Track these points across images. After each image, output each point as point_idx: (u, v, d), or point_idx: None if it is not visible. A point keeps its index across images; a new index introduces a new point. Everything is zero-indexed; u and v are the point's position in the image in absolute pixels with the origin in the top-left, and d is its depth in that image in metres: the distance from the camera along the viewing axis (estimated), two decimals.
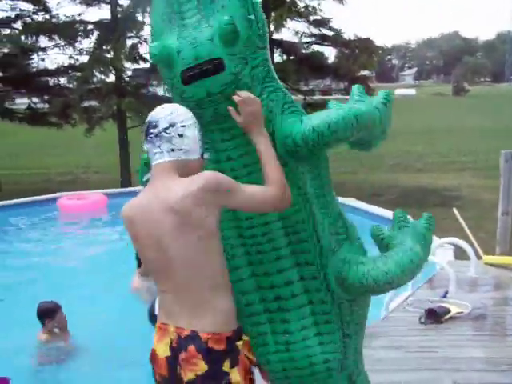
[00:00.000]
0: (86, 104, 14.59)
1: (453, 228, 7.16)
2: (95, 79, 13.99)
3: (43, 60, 15.09)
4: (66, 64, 14.88)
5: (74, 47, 14.36)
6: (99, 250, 8.80)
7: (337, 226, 2.39)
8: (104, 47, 13.79)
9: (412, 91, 62.18)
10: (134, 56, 14.05)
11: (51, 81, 15.37)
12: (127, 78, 14.79)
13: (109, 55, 13.75)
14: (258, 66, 2.25)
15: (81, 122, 14.44)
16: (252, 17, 2.21)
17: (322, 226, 2.33)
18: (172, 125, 2.11)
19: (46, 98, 15.01)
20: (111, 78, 14.22)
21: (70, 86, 15.06)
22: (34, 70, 15.27)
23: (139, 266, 5.24)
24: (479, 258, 6.18)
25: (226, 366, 2.07)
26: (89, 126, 14.14)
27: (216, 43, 2.15)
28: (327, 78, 16.11)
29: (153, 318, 4.94)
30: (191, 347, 2.04)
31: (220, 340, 2.07)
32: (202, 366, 2.04)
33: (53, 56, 15.17)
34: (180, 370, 2.06)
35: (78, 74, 14.21)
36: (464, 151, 18.66)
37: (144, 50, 14.24)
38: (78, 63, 14.63)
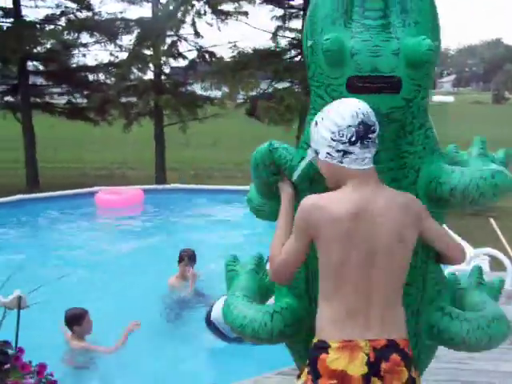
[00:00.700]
0: (123, 100, 14.74)
1: (489, 238, 7.04)
2: (133, 76, 14.13)
3: (84, 56, 15.31)
4: (105, 60, 15.09)
5: (114, 44, 14.53)
6: (134, 245, 8.89)
7: (438, 275, 2.35)
8: (143, 44, 13.89)
9: (450, 98, 61.35)
10: (173, 53, 14.14)
11: (91, 76, 15.58)
12: (165, 76, 14.88)
13: (148, 52, 13.88)
14: (425, 98, 2.13)
15: (119, 118, 14.60)
16: (437, 43, 2.07)
17: (430, 275, 2.29)
18: (378, 132, 2.07)
19: (85, 93, 15.20)
20: (149, 74, 14.39)
21: (109, 81, 15.22)
22: (75, 65, 15.47)
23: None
24: None
25: (414, 373, 2.06)
26: (126, 121, 14.29)
27: (401, 60, 1.99)
28: None
29: (210, 324, 4.95)
30: (394, 356, 1.99)
31: (408, 345, 2.07)
32: (405, 374, 2.00)
33: (93, 52, 15.41)
34: (383, 381, 1.97)
35: (117, 70, 14.35)
36: None
37: (183, 47, 14.38)
38: (117, 60, 14.79)
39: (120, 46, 14.58)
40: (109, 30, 14.22)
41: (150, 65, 13.99)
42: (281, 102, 12.02)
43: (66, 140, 21.79)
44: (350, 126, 1.99)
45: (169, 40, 14.04)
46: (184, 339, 5.67)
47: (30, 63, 14.79)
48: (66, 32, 14.04)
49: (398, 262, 2.04)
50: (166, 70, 14.89)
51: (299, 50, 13.59)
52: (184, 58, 14.55)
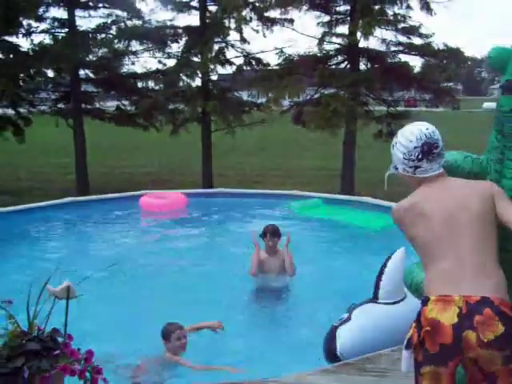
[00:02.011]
0: (171, 106, 14.98)
1: None
2: (181, 83, 14.33)
3: (133, 64, 15.58)
4: (154, 68, 15.32)
5: (163, 51, 14.78)
6: (177, 248, 9.01)
7: None
8: (191, 51, 14.10)
9: None
10: (221, 60, 14.30)
11: (140, 83, 15.85)
12: (213, 82, 15.05)
13: (196, 59, 14.07)
14: None
15: (166, 124, 14.83)
16: None
17: None
18: (442, 144, 2.66)
19: (134, 99, 15.49)
20: (197, 81, 14.57)
21: (157, 88, 15.49)
22: (124, 72, 15.79)
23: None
24: None
25: None
26: (173, 127, 14.51)
27: None
28: (411, 88, 15.81)
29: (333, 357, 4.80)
30: (487, 310, 2.28)
31: (508, 306, 2.34)
32: (499, 328, 2.27)
33: (142, 59, 15.68)
34: (475, 332, 2.26)
35: (165, 77, 14.59)
36: None
37: (231, 54, 14.53)
38: (165, 67, 15.03)
39: (168, 54, 14.85)
40: (158, 37, 14.49)
41: (198, 71, 14.15)
42: (326, 107, 12.00)
43: (116, 145, 22.27)
44: (415, 147, 2.62)
45: (216, 47, 14.20)
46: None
47: (81, 71, 15.19)
48: (116, 40, 14.38)
49: (481, 227, 2.48)
50: (214, 76, 15.09)
51: (345, 56, 13.59)
52: (231, 64, 14.69)
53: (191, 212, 11.31)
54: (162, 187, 12.95)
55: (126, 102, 15.88)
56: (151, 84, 15.82)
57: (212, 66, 14.13)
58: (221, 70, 14.86)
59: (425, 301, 2.41)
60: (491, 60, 2.44)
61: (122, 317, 5.88)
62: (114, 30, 14.73)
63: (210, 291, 6.61)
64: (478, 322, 2.26)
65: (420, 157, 2.60)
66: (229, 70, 14.80)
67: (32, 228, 10.02)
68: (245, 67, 14.66)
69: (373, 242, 8.75)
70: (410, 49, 13.42)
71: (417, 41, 13.18)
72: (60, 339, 2.74)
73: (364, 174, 14.41)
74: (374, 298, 5.21)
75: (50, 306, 2.82)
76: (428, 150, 2.59)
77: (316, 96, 13.67)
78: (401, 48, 13.47)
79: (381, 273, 5.22)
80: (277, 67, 13.70)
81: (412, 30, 12.93)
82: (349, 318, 4.97)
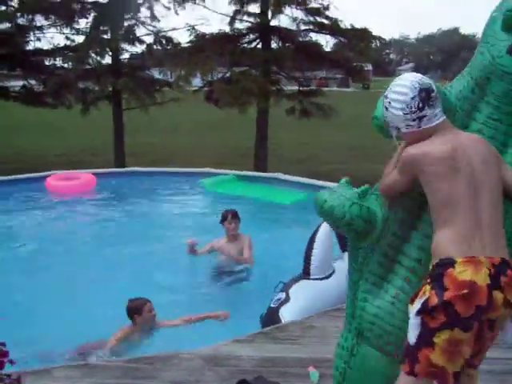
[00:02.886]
0: (81, 85, 14.52)
1: None
2: (91, 60, 13.91)
3: (39, 40, 14.94)
4: (62, 44, 14.76)
5: (70, 27, 14.25)
6: (87, 229, 8.81)
7: None
8: (101, 28, 13.69)
9: None
10: (131, 38, 13.97)
11: (47, 61, 15.23)
12: (123, 60, 14.71)
13: (105, 36, 13.69)
14: None
15: (76, 103, 14.38)
16: None
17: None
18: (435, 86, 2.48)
19: (41, 77, 14.87)
20: (107, 59, 14.18)
21: (66, 66, 14.95)
22: (30, 49, 15.10)
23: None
24: None
25: None
26: (84, 106, 14.09)
27: None
28: (323, 67, 16.04)
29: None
30: (510, 272, 2.26)
31: None
32: None
33: (49, 35, 15.05)
34: (503, 292, 2.23)
35: (74, 54, 14.10)
36: None
37: (140, 32, 14.23)
38: (74, 44, 14.51)
39: (77, 30, 14.33)
40: (64, 12, 13.89)
41: (108, 49, 13.77)
42: (236, 84, 12.01)
43: (23, 125, 21.40)
44: (413, 97, 2.41)
45: (126, 24, 13.86)
46: None
47: None
48: (19, 14, 13.70)
49: (495, 186, 2.40)
50: (125, 55, 14.75)
51: (257, 35, 13.61)
52: (141, 42, 14.39)
53: (101, 192, 11.02)
54: (73, 168, 12.56)
55: (34, 82, 15.20)
56: (59, 61, 15.24)
57: (122, 44, 13.79)
58: (131, 48, 14.55)
59: (448, 263, 2.26)
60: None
61: (24, 301, 5.72)
62: (15, 3, 14.04)
63: (124, 271, 6.53)
64: (505, 283, 2.23)
65: (421, 105, 2.41)
66: (139, 48, 14.53)
67: None
68: (155, 46, 14.41)
69: (286, 216, 8.89)
70: (320, 28, 13.60)
71: (326, 20, 13.36)
72: None
73: (276, 151, 14.56)
74: (306, 274, 5.27)
75: None
76: (426, 96, 2.41)
77: (228, 74, 13.64)
78: (311, 27, 13.62)
79: (310, 248, 5.24)
80: (188, 44, 13.55)
81: (320, 11, 13.09)
82: (287, 298, 5.02)
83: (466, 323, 2.21)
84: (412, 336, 2.29)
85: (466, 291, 2.18)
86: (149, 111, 14.16)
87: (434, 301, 2.22)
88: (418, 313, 2.27)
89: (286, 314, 4.86)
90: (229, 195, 10.13)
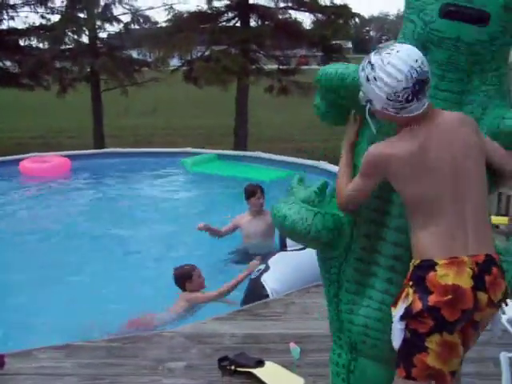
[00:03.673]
0: (58, 65, 14.31)
1: None
2: (68, 39, 13.70)
3: (13, 19, 14.62)
4: (37, 23, 14.50)
5: (45, 6, 13.99)
6: (63, 211, 8.72)
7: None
8: (77, 6, 13.48)
9: None
10: (107, 17, 13.78)
11: (22, 41, 14.95)
12: (101, 40, 14.52)
13: (82, 15, 13.49)
14: (506, 44, 2.31)
15: (53, 84, 14.19)
16: None
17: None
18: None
19: (16, 58, 14.61)
20: (84, 39, 13.99)
21: (42, 46, 14.70)
22: (3, 28, 14.74)
23: None
24: None
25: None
26: (61, 87, 13.91)
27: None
28: (303, 45, 15.97)
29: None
30: (494, 269, 2.13)
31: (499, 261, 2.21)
32: (503, 285, 2.16)
33: (23, 14, 14.76)
34: (487, 293, 2.11)
35: (50, 33, 13.86)
36: None
37: (118, 11, 14.05)
38: (49, 23, 14.27)
39: (51, 8, 14.08)
40: None
41: (84, 28, 13.57)
42: (217, 63, 11.95)
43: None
44: (405, 88, 2.06)
45: (102, 2, 13.66)
46: None
47: None
48: None
49: (479, 172, 2.19)
50: (103, 35, 14.55)
51: (236, 13, 13.50)
52: (119, 21, 14.20)
53: (79, 174, 10.93)
54: (51, 151, 12.40)
55: (9, 63, 14.92)
56: (35, 42, 14.96)
57: (99, 23, 13.60)
58: (109, 27, 14.36)
59: (428, 266, 2.10)
60: None
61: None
62: None
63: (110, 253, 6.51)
64: (489, 283, 2.10)
65: (410, 98, 2.07)
66: (116, 27, 14.34)
67: None
68: (133, 25, 14.23)
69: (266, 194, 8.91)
70: (299, 5, 13.52)
71: None
72: None
73: (256, 130, 14.52)
74: (283, 247, 5.38)
75: None
76: (420, 88, 2.07)
77: (207, 53, 13.54)
78: (290, 4, 13.54)
79: None
80: (166, 24, 13.42)
81: None
82: (267, 267, 5.09)
83: (452, 327, 2.11)
84: (397, 340, 2.18)
85: (450, 297, 2.06)
86: (128, 92, 14.01)
87: (419, 306, 2.10)
88: (402, 318, 2.15)
89: (268, 281, 4.93)
90: (209, 174, 10.10)
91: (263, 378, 3.40)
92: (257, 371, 3.46)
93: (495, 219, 6.48)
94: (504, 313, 3.05)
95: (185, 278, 5.05)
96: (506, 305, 2.26)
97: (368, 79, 2.13)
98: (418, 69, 2.06)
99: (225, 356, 3.61)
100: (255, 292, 4.91)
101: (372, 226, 2.43)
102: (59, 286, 5.57)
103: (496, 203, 6.60)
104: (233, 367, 3.52)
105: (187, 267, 5.10)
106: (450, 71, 2.27)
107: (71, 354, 3.79)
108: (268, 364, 3.52)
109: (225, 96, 13.02)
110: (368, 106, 2.20)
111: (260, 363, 3.53)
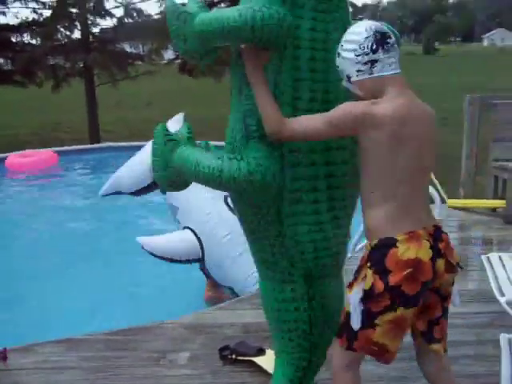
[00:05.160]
0: (51, 61, 14.25)
1: None
2: (60, 35, 13.63)
3: (4, 14, 14.55)
4: (29, 19, 14.41)
5: (36, 0, 13.91)
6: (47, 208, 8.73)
7: None
8: (68, 1, 13.40)
9: None
10: (100, 11, 13.71)
11: (14, 37, 14.87)
12: (94, 35, 14.45)
13: (74, 10, 13.41)
14: None
15: (47, 80, 14.14)
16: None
17: None
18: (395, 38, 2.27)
19: (9, 55, 14.54)
20: (77, 34, 13.93)
21: (34, 42, 14.64)
22: None
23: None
24: (444, 202, 6.35)
25: None
26: (55, 83, 13.86)
27: None
28: None
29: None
30: (444, 236, 2.25)
31: None
32: (455, 250, 2.30)
33: (14, 10, 14.68)
34: (445, 257, 2.21)
35: (42, 29, 13.80)
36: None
37: (110, 4, 13.98)
38: (41, 18, 14.19)
39: (43, 3, 13.99)
40: None
41: (77, 23, 13.51)
42: None
43: None
44: (366, 37, 2.18)
45: None
46: None
47: None
48: None
49: (432, 158, 2.29)
50: (95, 29, 14.48)
51: (228, 3, 13.44)
52: (111, 15, 14.13)
53: (66, 169, 10.93)
54: (47, 147, 12.37)
55: (1, 60, 14.85)
56: (27, 38, 14.90)
57: (91, 17, 13.53)
58: (101, 21, 14.31)
59: (389, 243, 2.13)
60: None
61: None
62: None
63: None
64: (443, 249, 2.20)
65: (374, 47, 2.15)
66: (110, 22, 14.29)
67: None
68: (126, 19, 14.15)
69: None
70: None
71: None
72: None
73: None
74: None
75: None
76: (381, 38, 2.17)
77: None
78: None
79: None
80: (158, 16, 13.36)
81: None
82: None
83: (413, 301, 2.14)
84: (355, 321, 2.17)
85: (410, 270, 2.08)
86: (122, 86, 13.97)
87: (380, 287, 2.11)
88: (362, 300, 2.15)
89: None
90: None
91: (264, 366, 3.40)
92: (258, 359, 3.47)
93: (493, 202, 6.50)
94: (503, 295, 3.07)
95: None
96: (462, 268, 2.33)
97: (338, 54, 2.24)
98: (377, 25, 2.21)
99: (225, 345, 3.61)
100: None
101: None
102: (60, 280, 5.59)
103: (493, 186, 6.62)
104: (234, 356, 3.53)
105: None
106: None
107: (73, 347, 3.79)
108: (269, 352, 3.53)
109: (220, 87, 12.98)
110: (348, 83, 2.26)
111: (261, 351, 3.53)
